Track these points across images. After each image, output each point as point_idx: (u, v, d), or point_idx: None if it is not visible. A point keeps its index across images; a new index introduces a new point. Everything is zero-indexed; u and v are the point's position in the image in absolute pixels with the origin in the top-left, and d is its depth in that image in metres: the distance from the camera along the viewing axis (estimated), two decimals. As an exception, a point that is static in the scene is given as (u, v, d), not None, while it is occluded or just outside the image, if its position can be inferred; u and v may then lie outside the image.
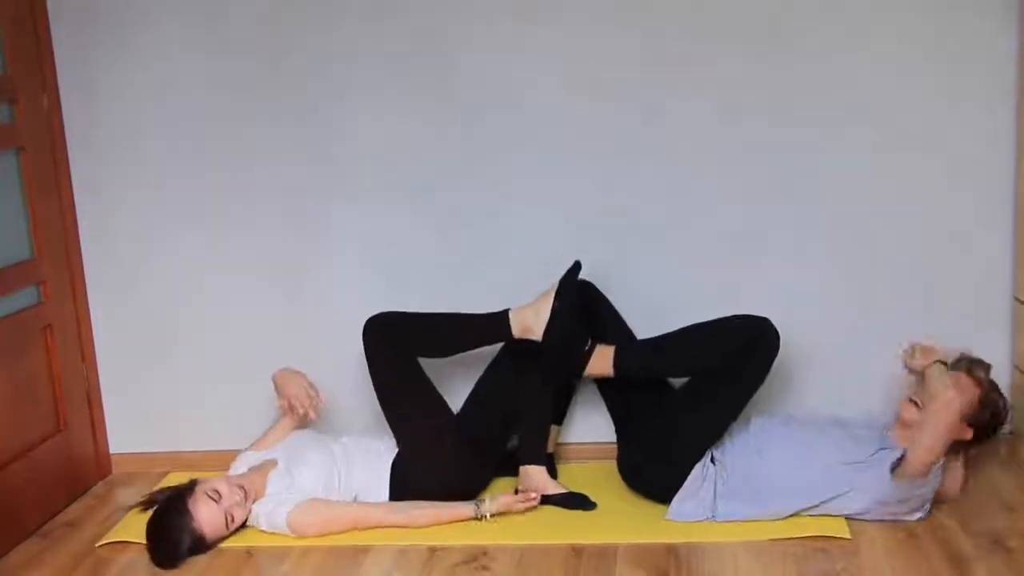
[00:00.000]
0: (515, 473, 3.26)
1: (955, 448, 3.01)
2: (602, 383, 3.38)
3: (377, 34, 3.39)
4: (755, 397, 3.13)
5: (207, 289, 3.59)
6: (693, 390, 3.19)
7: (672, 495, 3.08)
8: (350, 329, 3.27)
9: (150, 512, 3.08)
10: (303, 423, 3.36)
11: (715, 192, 3.39)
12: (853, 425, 3.18)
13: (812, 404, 3.40)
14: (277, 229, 3.54)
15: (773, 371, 3.11)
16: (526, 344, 3.21)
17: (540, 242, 3.44)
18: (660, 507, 3.11)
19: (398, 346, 3.22)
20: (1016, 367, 3.32)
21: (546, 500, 3.18)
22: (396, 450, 3.25)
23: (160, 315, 3.62)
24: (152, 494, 3.23)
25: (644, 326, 3.34)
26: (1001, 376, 3.19)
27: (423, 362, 3.29)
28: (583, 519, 3.14)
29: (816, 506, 3.00)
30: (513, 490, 3.22)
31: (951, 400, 2.90)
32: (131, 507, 3.30)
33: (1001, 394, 3.10)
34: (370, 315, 3.23)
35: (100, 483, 3.64)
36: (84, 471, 3.58)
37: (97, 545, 3.14)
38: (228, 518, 3.02)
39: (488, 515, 3.10)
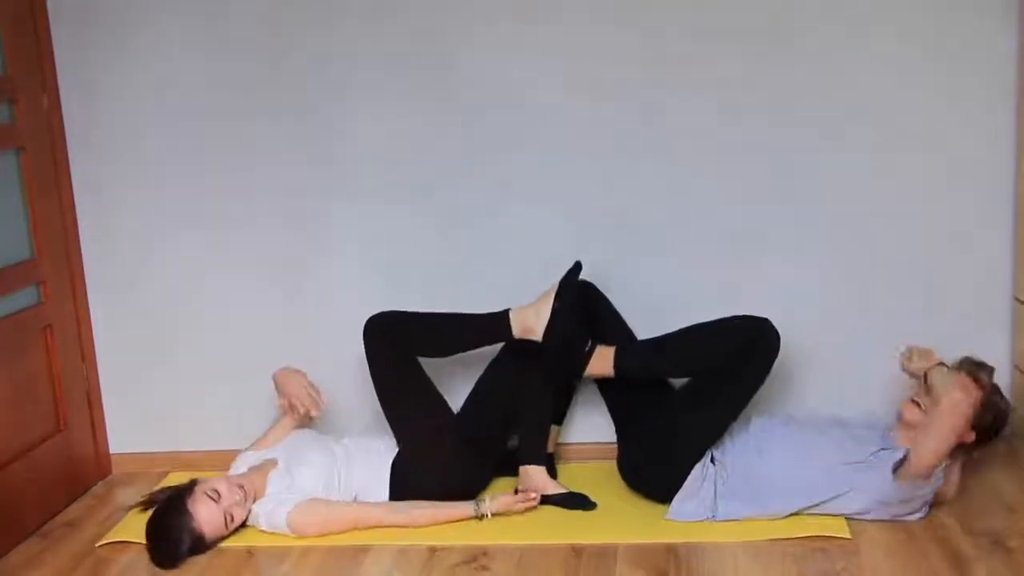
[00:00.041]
0: (515, 473, 3.26)
1: (956, 450, 3.00)
2: (602, 383, 3.38)
3: (377, 34, 3.39)
4: (755, 397, 3.13)
5: (207, 289, 3.59)
6: (693, 390, 3.19)
7: (672, 495, 3.08)
8: (350, 329, 3.27)
9: (150, 512, 3.08)
10: (304, 423, 3.36)
11: (715, 192, 3.39)
12: (853, 425, 3.18)
13: (812, 404, 3.40)
14: (277, 229, 3.54)
15: (773, 371, 3.11)
16: (526, 344, 3.21)
17: (540, 242, 3.44)
18: (660, 507, 3.11)
19: (398, 346, 3.22)
20: (1016, 367, 3.32)
21: (546, 500, 3.18)
22: (396, 450, 3.25)
23: (160, 315, 3.62)
24: (152, 494, 3.23)
25: (644, 326, 3.34)
26: (1001, 376, 3.19)
27: (423, 362, 3.29)
28: (583, 519, 3.14)
29: (816, 505, 3.00)
30: (513, 490, 3.22)
31: (957, 404, 2.89)
32: (131, 507, 3.30)
33: (1003, 397, 3.10)
34: (370, 315, 3.23)
35: (100, 483, 3.64)
36: (84, 471, 3.59)
37: (97, 545, 3.14)
38: (228, 518, 3.02)
39: (488, 514, 3.10)
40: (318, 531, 3.06)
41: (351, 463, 3.23)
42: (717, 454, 3.13)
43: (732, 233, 3.40)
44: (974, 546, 2.84)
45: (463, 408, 3.35)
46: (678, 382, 3.31)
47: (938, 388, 2.96)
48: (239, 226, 3.55)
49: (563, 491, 3.22)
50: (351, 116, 3.45)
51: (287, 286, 3.57)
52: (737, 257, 3.41)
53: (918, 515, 2.99)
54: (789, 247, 3.40)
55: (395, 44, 3.39)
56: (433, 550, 2.98)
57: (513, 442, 3.34)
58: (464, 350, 3.30)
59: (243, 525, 3.10)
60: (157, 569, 2.97)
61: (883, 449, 3.01)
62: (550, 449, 3.38)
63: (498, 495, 3.17)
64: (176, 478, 3.41)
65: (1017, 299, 3.31)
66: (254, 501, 3.10)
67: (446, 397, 3.33)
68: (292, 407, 3.29)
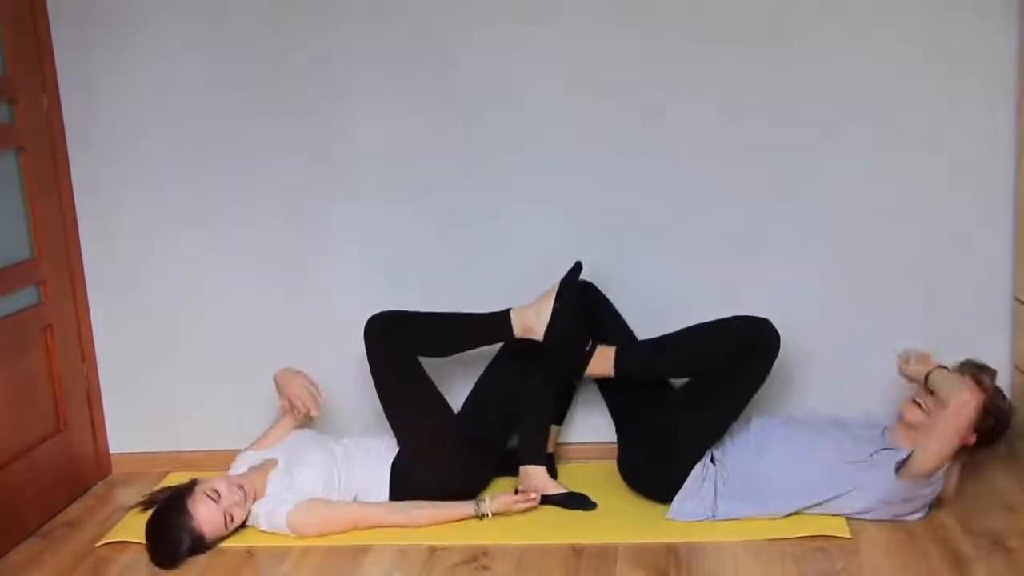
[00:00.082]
0: (515, 473, 3.26)
1: (957, 452, 3.00)
2: (602, 383, 3.38)
3: (377, 34, 3.39)
4: (755, 397, 3.13)
5: (207, 289, 3.59)
6: (694, 390, 3.19)
7: (672, 495, 3.08)
8: (350, 329, 3.28)
9: (150, 512, 3.08)
10: (304, 423, 3.36)
11: (715, 192, 3.39)
12: (853, 425, 3.18)
13: (812, 404, 3.40)
14: (277, 229, 3.54)
15: (773, 371, 3.11)
16: (527, 344, 3.21)
17: (540, 242, 3.44)
18: (660, 507, 3.11)
19: (399, 345, 3.22)
20: (1016, 367, 3.32)
21: (546, 500, 3.18)
22: (396, 450, 3.25)
23: (160, 315, 3.62)
24: (152, 494, 3.23)
25: (644, 326, 3.34)
26: (1002, 376, 3.19)
27: (424, 361, 3.29)
28: (583, 519, 3.14)
29: (818, 505, 3.01)
30: (513, 490, 3.22)
31: (962, 406, 2.89)
32: (131, 507, 3.30)
33: (1006, 399, 3.10)
34: (370, 315, 3.23)
35: (100, 483, 3.64)
36: (84, 471, 3.58)
37: (97, 545, 3.14)
38: (227, 518, 3.02)
39: (489, 514, 3.10)
40: (318, 531, 3.06)
41: (351, 463, 3.23)
42: (717, 454, 3.13)
43: (732, 233, 3.40)
44: (974, 546, 2.85)
45: (463, 408, 3.35)
46: (678, 382, 3.31)
47: (942, 390, 2.96)
48: (239, 226, 3.55)
49: (563, 491, 3.22)
50: (351, 116, 3.45)
51: (287, 286, 3.57)
52: (737, 257, 3.41)
53: (919, 515, 2.99)
54: (789, 247, 3.40)
55: (395, 44, 3.39)
56: (433, 550, 2.98)
57: (513, 442, 3.34)
58: (465, 350, 3.30)
59: (243, 525, 3.10)
60: (157, 569, 2.97)
61: (884, 449, 3.01)
62: (550, 449, 3.38)
63: (498, 495, 3.17)
64: (176, 478, 3.41)
65: (1017, 299, 3.31)
66: (254, 501, 3.10)
67: (446, 397, 3.33)
68: (293, 407, 3.29)
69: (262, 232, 3.54)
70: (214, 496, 3.01)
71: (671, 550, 2.91)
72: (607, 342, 3.25)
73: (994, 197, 3.31)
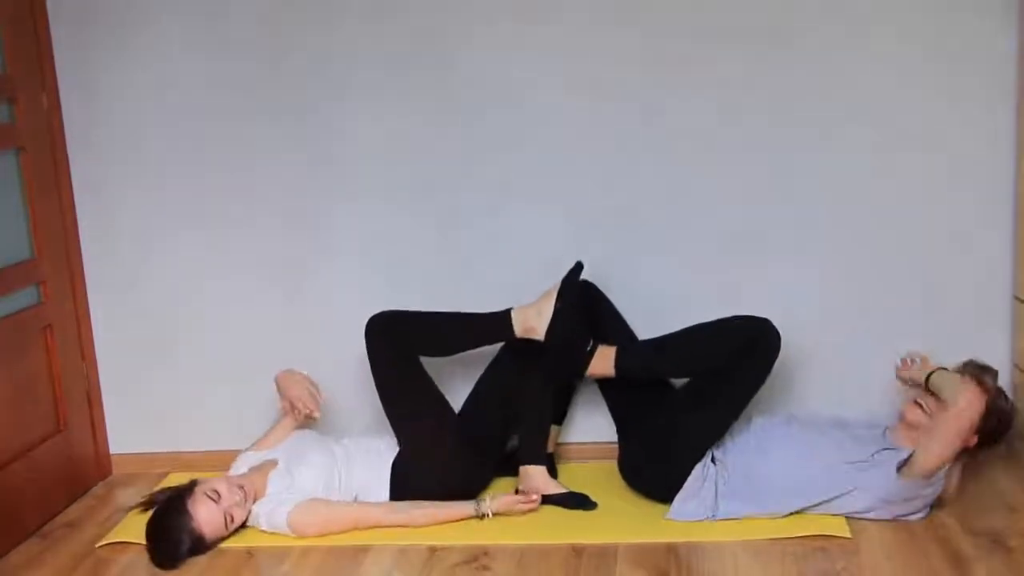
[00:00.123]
0: (515, 473, 3.26)
1: (959, 453, 3.00)
2: (603, 383, 3.38)
3: (377, 34, 3.39)
4: (756, 397, 3.13)
5: (207, 289, 3.59)
6: (694, 390, 3.19)
7: (673, 495, 3.08)
8: (350, 329, 3.27)
9: (150, 513, 3.08)
10: (305, 423, 3.36)
11: (715, 192, 3.39)
12: (854, 426, 3.18)
13: (812, 404, 3.40)
14: (277, 229, 3.54)
15: (774, 371, 3.11)
16: (528, 344, 3.21)
17: (540, 242, 3.44)
18: (660, 507, 3.11)
19: (400, 345, 3.22)
20: (1016, 367, 3.32)
21: (546, 500, 3.18)
22: (396, 450, 3.25)
23: (160, 315, 3.62)
24: (152, 494, 3.23)
25: (644, 326, 3.34)
26: (1001, 376, 3.19)
27: (424, 361, 3.28)
28: (583, 519, 3.14)
29: (819, 504, 3.01)
30: (514, 490, 3.23)
31: (967, 407, 2.89)
32: (131, 508, 3.30)
33: (1007, 399, 3.10)
34: (370, 315, 3.22)
35: (100, 483, 3.64)
36: (84, 471, 3.58)
37: (97, 546, 3.14)
38: (227, 518, 3.02)
39: (489, 514, 3.10)
40: (318, 531, 3.06)
41: (351, 463, 3.23)
42: (718, 454, 3.13)
43: (732, 233, 3.40)
44: (974, 546, 2.85)
45: (463, 408, 3.35)
46: (679, 382, 3.31)
47: (944, 391, 2.96)
48: (239, 226, 3.55)
49: (563, 491, 3.22)
50: (351, 116, 3.45)
51: (287, 286, 3.57)
52: (737, 257, 3.41)
53: (920, 515, 2.99)
54: (789, 247, 3.40)
55: (395, 44, 3.39)
56: (433, 550, 2.98)
57: (513, 442, 3.34)
58: (465, 349, 3.30)
59: (243, 525, 3.10)
60: (157, 570, 2.97)
61: (885, 449, 3.01)
62: (550, 449, 3.38)
63: (499, 495, 3.17)
64: (176, 478, 3.41)
65: (1017, 299, 3.31)
66: (254, 501, 3.10)
67: (446, 397, 3.32)
68: (294, 409, 3.29)
69: (262, 232, 3.54)
70: (214, 496, 3.01)
71: (671, 550, 2.91)
72: (608, 342, 3.25)
73: (994, 197, 3.31)
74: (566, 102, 3.38)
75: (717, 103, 3.34)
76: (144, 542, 3.02)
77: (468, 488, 3.23)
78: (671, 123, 3.36)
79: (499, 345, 3.33)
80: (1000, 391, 3.06)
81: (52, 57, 3.47)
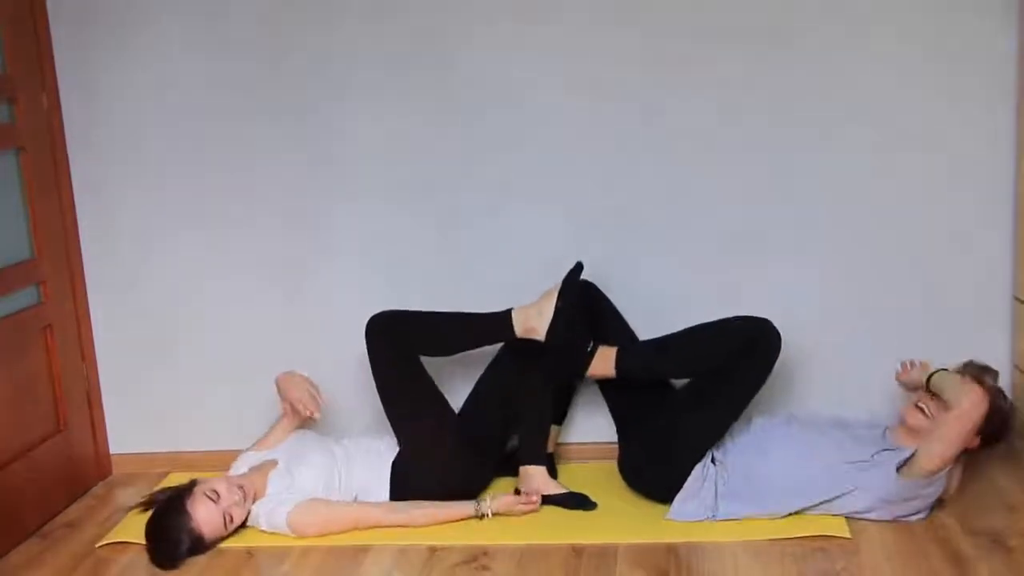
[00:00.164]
0: (515, 473, 3.26)
1: (960, 454, 3.00)
2: (604, 383, 3.38)
3: (377, 34, 3.39)
4: (756, 397, 3.13)
5: (207, 289, 3.59)
6: (694, 390, 3.19)
7: (673, 495, 3.08)
8: (350, 329, 3.27)
9: (150, 513, 3.08)
10: (305, 424, 3.36)
11: (715, 192, 3.39)
12: (855, 426, 3.19)
13: (813, 404, 3.40)
14: (277, 229, 3.54)
15: (774, 371, 3.11)
16: (528, 344, 3.20)
17: (540, 242, 3.44)
18: (660, 507, 3.11)
19: (400, 345, 3.22)
20: (1016, 367, 3.32)
21: (546, 500, 3.18)
22: (396, 450, 3.25)
23: (160, 315, 3.62)
24: (152, 494, 3.23)
25: (645, 326, 3.34)
26: (1001, 376, 3.19)
27: (424, 361, 3.28)
28: (583, 519, 3.14)
29: (819, 504, 3.00)
30: (514, 490, 3.23)
31: (971, 408, 2.89)
32: (131, 508, 3.30)
33: (1007, 399, 3.10)
34: (371, 315, 3.22)
35: (100, 483, 3.64)
36: (84, 471, 3.58)
37: (97, 546, 3.14)
38: (227, 518, 3.02)
39: (489, 514, 3.10)
40: (318, 531, 3.06)
41: (351, 463, 3.23)
42: (718, 454, 3.13)
43: (732, 233, 3.40)
44: (974, 546, 2.84)
45: (463, 408, 3.35)
46: (679, 382, 3.31)
47: (947, 392, 2.96)
48: (239, 226, 3.55)
49: (563, 491, 3.22)
50: (351, 116, 3.45)
51: (287, 286, 3.57)
52: (737, 257, 3.41)
53: (921, 515, 2.99)
54: (789, 247, 3.40)
55: (395, 44, 3.39)
56: (433, 550, 2.98)
57: (513, 442, 3.34)
58: (465, 349, 3.30)
59: (243, 525, 3.10)
60: (157, 570, 2.97)
61: (885, 450, 3.01)
62: (550, 449, 3.38)
63: (499, 495, 3.17)
64: (176, 478, 3.41)
65: (1017, 299, 3.31)
66: (254, 501, 3.10)
67: (446, 397, 3.32)
68: (294, 411, 3.29)
69: (262, 232, 3.54)
70: (213, 496, 3.01)
71: (671, 550, 2.91)
72: (608, 342, 3.25)
73: (994, 197, 3.31)
74: (566, 102, 3.38)
75: (717, 103, 3.34)
76: (144, 542, 3.02)
77: (468, 488, 3.23)
78: (671, 123, 3.36)
79: (499, 345, 3.32)
80: (1000, 391, 3.07)
81: (52, 57, 3.47)
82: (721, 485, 3.07)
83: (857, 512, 2.99)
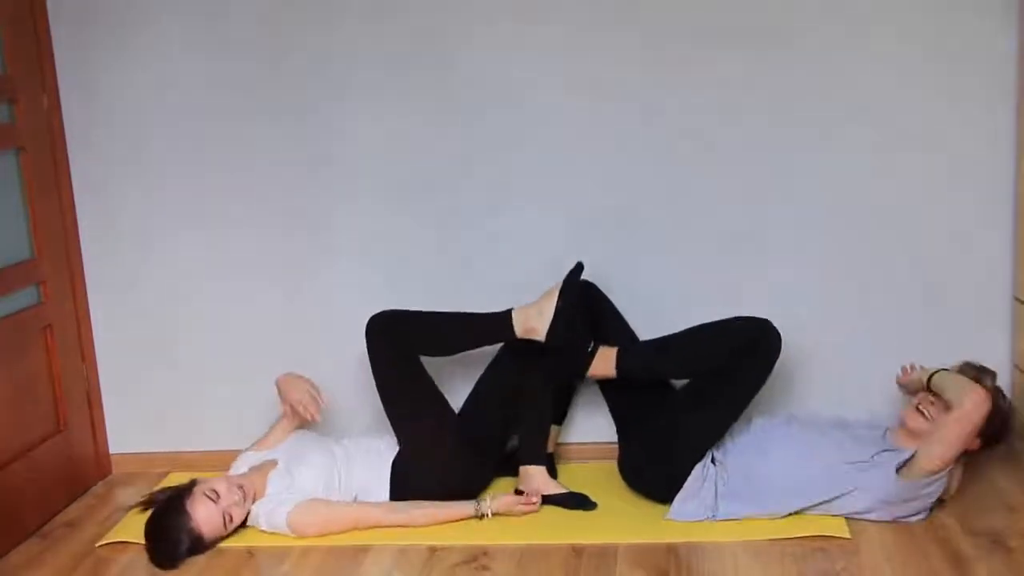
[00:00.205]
0: (515, 473, 3.26)
1: (960, 455, 3.00)
2: (604, 383, 3.38)
3: (377, 34, 3.39)
4: (756, 397, 3.13)
5: (207, 289, 3.59)
6: (695, 391, 3.19)
7: (673, 495, 3.08)
8: (350, 329, 3.28)
9: (150, 512, 3.08)
10: (305, 424, 3.36)
11: (715, 192, 3.39)
12: (855, 426, 3.19)
13: (813, 404, 3.40)
14: (277, 229, 3.54)
15: (774, 371, 3.11)
16: (528, 344, 3.20)
17: (540, 242, 3.44)
18: (660, 507, 3.11)
19: (400, 345, 3.22)
20: (1016, 367, 3.32)
21: (546, 500, 3.18)
22: (396, 449, 3.25)
23: (160, 315, 3.62)
24: (152, 494, 3.22)
25: (645, 326, 3.34)
26: (1001, 376, 3.19)
27: (424, 361, 3.28)
28: (583, 519, 3.14)
29: (819, 505, 3.00)
30: (514, 490, 3.23)
31: (971, 410, 2.88)
32: (131, 507, 3.30)
33: (1006, 399, 3.10)
34: (371, 315, 3.22)
35: (100, 483, 3.64)
36: (84, 471, 3.58)
37: (97, 545, 3.14)
38: (226, 518, 3.02)
39: (489, 514, 3.10)
40: (318, 531, 3.06)
41: (351, 463, 3.23)
42: (718, 454, 3.13)
43: (732, 233, 3.40)
44: (974, 546, 2.84)
45: (463, 408, 3.35)
46: (679, 382, 3.31)
47: (948, 392, 2.95)
48: (239, 226, 3.55)
49: (563, 491, 3.22)
50: (351, 116, 3.45)
51: (287, 286, 3.57)
52: (737, 257, 3.41)
53: (921, 516, 2.99)
54: (789, 247, 3.40)
55: (395, 44, 3.39)
56: (433, 550, 2.98)
57: (513, 442, 3.34)
58: (466, 349, 3.29)
59: (243, 525, 3.10)
60: (156, 569, 2.97)
61: (886, 451, 3.01)
62: (550, 449, 3.38)
63: (499, 495, 3.17)
64: (176, 478, 3.41)
65: (1017, 299, 3.31)
66: (254, 501, 3.10)
67: (446, 397, 3.32)
68: (295, 412, 3.29)
69: (262, 232, 3.54)
70: (213, 496, 3.01)
71: (671, 550, 2.91)
72: (609, 343, 3.25)
73: (994, 197, 3.31)
74: (566, 102, 3.38)
75: (717, 103, 3.34)
76: (143, 542, 3.02)
77: (468, 488, 3.23)
78: (671, 123, 3.36)
79: (499, 345, 3.32)
80: (999, 392, 3.07)
81: (52, 57, 3.47)
82: (721, 485, 3.07)
83: (857, 512, 2.99)
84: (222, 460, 3.35)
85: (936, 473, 2.92)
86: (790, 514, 3.02)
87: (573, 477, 3.34)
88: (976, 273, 3.36)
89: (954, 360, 3.15)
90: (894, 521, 2.98)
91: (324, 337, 3.55)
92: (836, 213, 3.36)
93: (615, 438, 3.36)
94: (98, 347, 3.65)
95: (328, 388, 3.34)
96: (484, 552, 2.95)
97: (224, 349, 3.61)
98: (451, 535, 3.05)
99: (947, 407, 2.95)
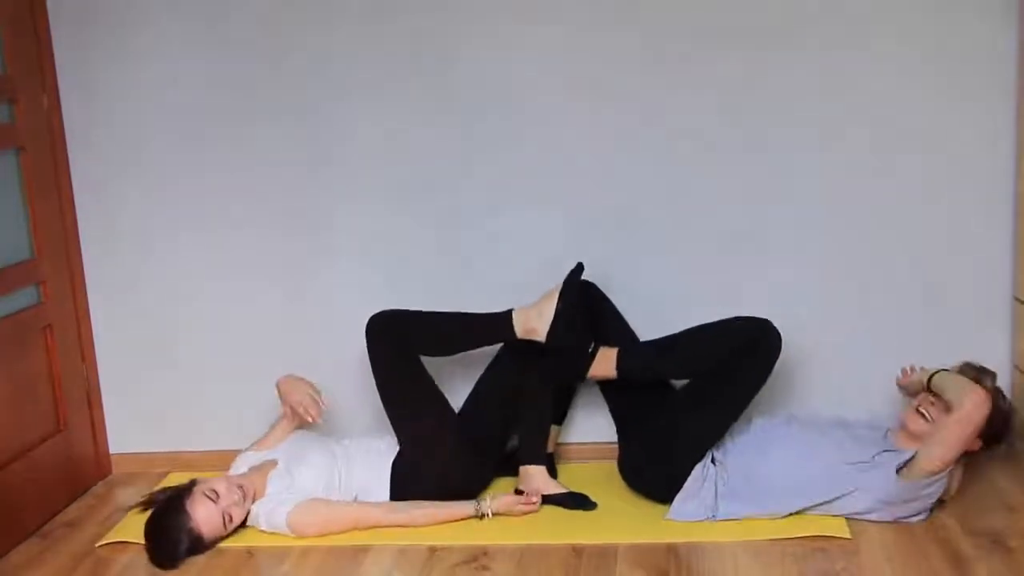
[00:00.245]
0: (515, 473, 3.26)
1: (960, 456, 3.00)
2: (604, 384, 3.38)
3: (377, 34, 3.39)
4: (756, 397, 3.12)
5: (207, 289, 3.59)
6: (695, 391, 3.19)
7: (673, 495, 3.08)
8: (350, 329, 3.28)
9: (150, 512, 3.08)
10: (305, 424, 3.36)
11: (715, 192, 3.39)
12: (856, 426, 3.19)
13: (813, 404, 3.40)
14: (277, 229, 3.54)
15: (774, 371, 3.11)
16: (528, 344, 3.20)
17: (540, 242, 3.44)
18: (660, 507, 3.11)
19: (400, 345, 3.22)
20: (1016, 367, 3.32)
21: (546, 500, 3.18)
22: (397, 449, 3.25)
23: (160, 315, 3.62)
24: (152, 494, 3.22)
25: (645, 326, 3.34)
26: (1001, 376, 3.19)
27: (424, 361, 3.28)
28: (583, 519, 3.14)
29: (820, 505, 3.00)
30: (514, 490, 3.23)
31: (972, 411, 2.88)
32: (131, 507, 3.30)
33: (1006, 399, 3.10)
34: (370, 315, 3.22)
35: (100, 483, 3.64)
36: (84, 471, 3.58)
37: (97, 545, 3.14)
38: (226, 518, 3.02)
39: (489, 514, 3.11)
40: (318, 531, 3.06)
41: (351, 463, 3.23)
42: (718, 454, 3.13)
43: (732, 233, 3.40)
44: (974, 546, 2.84)
45: (463, 408, 3.35)
46: (679, 383, 3.31)
47: (949, 392, 2.95)
48: (239, 226, 3.55)
49: (563, 491, 3.22)
50: (351, 116, 3.45)
51: (287, 286, 3.57)
52: (737, 257, 3.41)
53: (921, 516, 2.99)
54: (789, 247, 3.40)
55: (395, 44, 3.39)
56: (433, 550, 2.98)
57: (513, 442, 3.34)
58: (466, 350, 3.29)
59: (243, 525, 3.10)
60: (156, 569, 2.97)
61: (886, 451, 3.01)
62: (550, 449, 3.38)
63: (499, 495, 3.17)
64: (176, 478, 3.41)
65: (1017, 299, 3.31)
66: (254, 501, 3.10)
67: (446, 397, 3.32)
68: (295, 414, 3.28)
69: (262, 232, 3.54)
70: (212, 496, 3.01)
71: (671, 550, 2.91)
72: (609, 343, 3.25)
73: (994, 197, 3.31)
74: (566, 102, 3.38)
75: (717, 103, 3.34)
76: (143, 542, 3.02)
77: (468, 488, 3.23)
78: (671, 123, 3.36)
79: (499, 345, 3.32)
80: (999, 392, 3.07)
81: (52, 57, 3.47)
82: (721, 485, 3.07)
83: (857, 513, 2.99)
84: (222, 460, 3.35)
85: (936, 474, 2.92)
86: (790, 514, 3.02)
87: (573, 477, 3.34)
88: (976, 273, 3.36)
89: (954, 360, 3.15)
90: (894, 521, 2.98)
91: (324, 337, 3.55)
92: (836, 213, 3.36)
93: (615, 438, 3.36)
94: (98, 347, 3.65)
95: (328, 388, 3.34)
96: (484, 552, 2.95)
97: (224, 349, 3.61)
98: (451, 535, 3.05)
99: (947, 408, 2.94)
